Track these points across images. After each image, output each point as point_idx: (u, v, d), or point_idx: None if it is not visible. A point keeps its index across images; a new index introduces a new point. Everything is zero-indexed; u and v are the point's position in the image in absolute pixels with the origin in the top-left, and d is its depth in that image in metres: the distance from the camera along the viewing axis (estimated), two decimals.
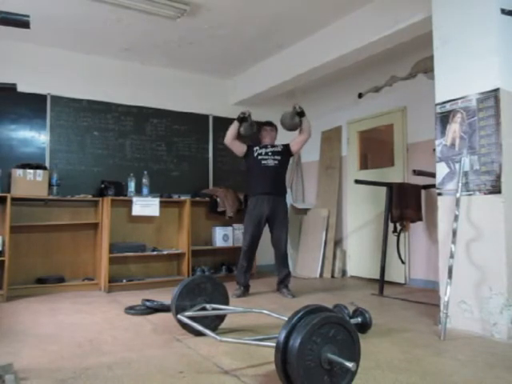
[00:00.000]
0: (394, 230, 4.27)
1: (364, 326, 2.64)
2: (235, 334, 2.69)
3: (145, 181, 4.83)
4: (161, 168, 5.29)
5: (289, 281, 4.15)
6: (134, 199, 4.57)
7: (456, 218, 2.76)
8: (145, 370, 2.07)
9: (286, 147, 4.22)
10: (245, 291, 4.12)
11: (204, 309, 2.62)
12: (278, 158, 4.14)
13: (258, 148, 4.20)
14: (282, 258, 4.13)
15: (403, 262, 4.47)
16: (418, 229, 4.56)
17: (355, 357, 1.68)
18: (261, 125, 4.39)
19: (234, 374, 2.02)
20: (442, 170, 2.99)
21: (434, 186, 3.38)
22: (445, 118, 2.98)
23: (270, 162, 4.10)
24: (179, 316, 2.52)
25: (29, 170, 4.16)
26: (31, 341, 2.59)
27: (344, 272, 5.49)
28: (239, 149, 4.24)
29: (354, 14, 4.04)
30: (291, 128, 4.19)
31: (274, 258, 4.21)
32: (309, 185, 6.25)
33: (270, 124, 4.40)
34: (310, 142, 6.13)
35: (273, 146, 4.24)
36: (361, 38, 3.95)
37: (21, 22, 1.59)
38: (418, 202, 4.20)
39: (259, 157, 4.14)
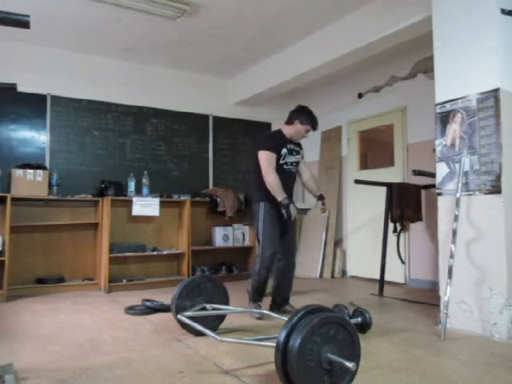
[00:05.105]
0: (394, 230, 4.27)
1: (364, 326, 2.64)
2: (235, 333, 2.69)
3: (145, 181, 4.83)
4: (161, 168, 5.28)
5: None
6: (134, 199, 4.56)
7: (456, 218, 2.75)
8: (145, 370, 2.07)
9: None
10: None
11: (204, 309, 2.62)
12: (296, 161, 3.49)
13: (285, 152, 3.38)
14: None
15: (403, 262, 4.47)
16: (417, 229, 4.56)
17: (355, 357, 1.68)
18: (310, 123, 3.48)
19: (233, 374, 2.02)
20: (442, 169, 2.99)
21: (434, 186, 3.38)
22: (445, 118, 2.98)
23: (293, 168, 3.45)
24: (179, 316, 2.52)
25: (29, 170, 4.16)
26: (31, 341, 2.59)
27: (344, 272, 5.49)
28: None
29: (353, 14, 4.04)
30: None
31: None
32: None
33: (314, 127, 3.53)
34: (310, 142, 6.15)
35: (296, 144, 3.52)
36: (361, 38, 3.95)
37: (21, 22, 1.59)
38: (417, 202, 4.20)
39: (284, 166, 3.38)
